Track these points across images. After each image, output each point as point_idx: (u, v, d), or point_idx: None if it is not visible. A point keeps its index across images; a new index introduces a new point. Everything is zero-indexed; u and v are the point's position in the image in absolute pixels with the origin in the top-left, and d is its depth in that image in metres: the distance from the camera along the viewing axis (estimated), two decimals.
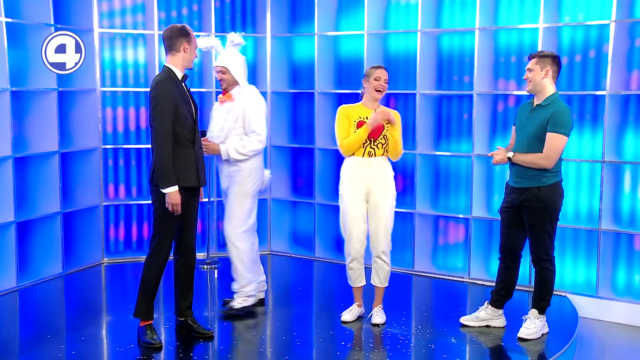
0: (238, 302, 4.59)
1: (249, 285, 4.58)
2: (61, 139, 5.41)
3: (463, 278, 5.47)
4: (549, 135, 3.98)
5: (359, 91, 4.52)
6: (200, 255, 6.07)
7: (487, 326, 4.41)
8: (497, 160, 4.18)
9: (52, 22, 5.22)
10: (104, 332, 4.43)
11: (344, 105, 4.46)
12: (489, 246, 5.49)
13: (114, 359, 4.00)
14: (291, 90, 6.22)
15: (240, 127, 4.45)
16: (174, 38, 3.97)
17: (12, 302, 4.90)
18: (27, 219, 5.21)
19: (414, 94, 5.60)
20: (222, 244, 6.24)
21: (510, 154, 4.12)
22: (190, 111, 4.02)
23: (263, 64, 6.23)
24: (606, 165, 4.92)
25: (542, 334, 4.26)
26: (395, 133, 4.35)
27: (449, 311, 4.79)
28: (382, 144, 4.35)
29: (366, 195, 4.39)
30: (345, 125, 4.37)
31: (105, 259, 5.92)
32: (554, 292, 5.01)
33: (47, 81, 5.25)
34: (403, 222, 5.77)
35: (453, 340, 4.27)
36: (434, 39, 5.61)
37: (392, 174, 4.44)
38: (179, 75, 4.00)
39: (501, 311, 4.43)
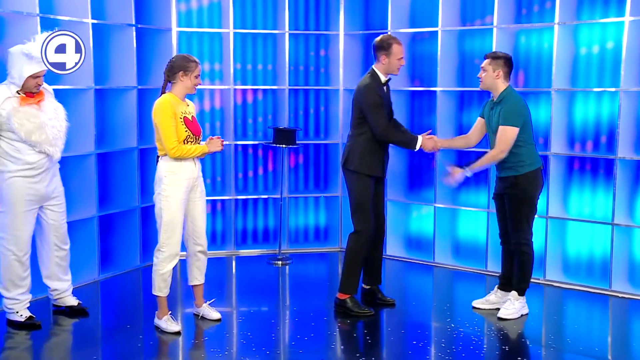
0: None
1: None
2: (141, 136, 5.59)
3: (538, 280, 5.32)
4: (499, 128, 4.31)
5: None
6: (272, 250, 6.16)
7: (497, 309, 4.55)
8: (432, 150, 4.54)
9: (134, 23, 5.40)
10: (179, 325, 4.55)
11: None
12: (562, 247, 5.34)
13: (187, 351, 4.12)
14: None
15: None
16: (374, 49, 4.50)
17: (95, 293, 5.10)
18: (108, 213, 5.39)
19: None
20: (293, 240, 6.33)
21: (468, 173, 4.42)
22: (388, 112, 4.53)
23: (336, 62, 6.24)
24: None
25: (521, 315, 4.50)
26: None
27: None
28: None
29: None
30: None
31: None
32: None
33: (128, 79, 5.43)
34: (476, 222, 5.69)
35: (528, 343, 4.18)
36: (511, 35, 5.48)
37: (160, 173, 4.17)
38: (382, 79, 4.51)
39: (509, 294, 4.56)
